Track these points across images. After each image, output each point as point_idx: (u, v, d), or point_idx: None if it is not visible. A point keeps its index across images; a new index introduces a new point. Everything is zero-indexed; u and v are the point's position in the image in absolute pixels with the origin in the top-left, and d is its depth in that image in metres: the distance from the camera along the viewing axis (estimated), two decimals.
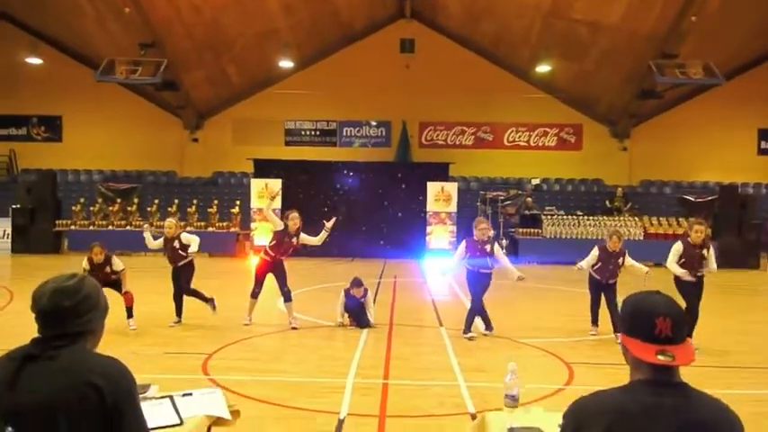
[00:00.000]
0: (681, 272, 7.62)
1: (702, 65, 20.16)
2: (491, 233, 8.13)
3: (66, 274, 1.95)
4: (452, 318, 9.37)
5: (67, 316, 1.86)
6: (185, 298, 8.68)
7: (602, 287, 8.14)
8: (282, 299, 8.55)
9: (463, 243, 8.17)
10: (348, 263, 17.92)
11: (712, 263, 7.87)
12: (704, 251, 7.66)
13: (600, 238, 8.09)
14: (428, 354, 7.15)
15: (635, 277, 7.88)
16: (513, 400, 2.99)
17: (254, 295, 8.54)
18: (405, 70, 23.64)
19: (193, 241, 8.58)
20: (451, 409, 5.16)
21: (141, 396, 2.80)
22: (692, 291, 7.75)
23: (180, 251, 8.54)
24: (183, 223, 19.04)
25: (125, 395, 1.87)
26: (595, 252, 8.10)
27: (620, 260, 8.03)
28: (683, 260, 7.73)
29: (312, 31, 23.07)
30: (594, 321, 8.31)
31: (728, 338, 8.44)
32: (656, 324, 1.70)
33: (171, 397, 2.91)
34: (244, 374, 6.12)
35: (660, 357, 1.67)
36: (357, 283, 8.59)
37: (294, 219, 8.36)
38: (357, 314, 8.48)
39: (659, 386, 1.71)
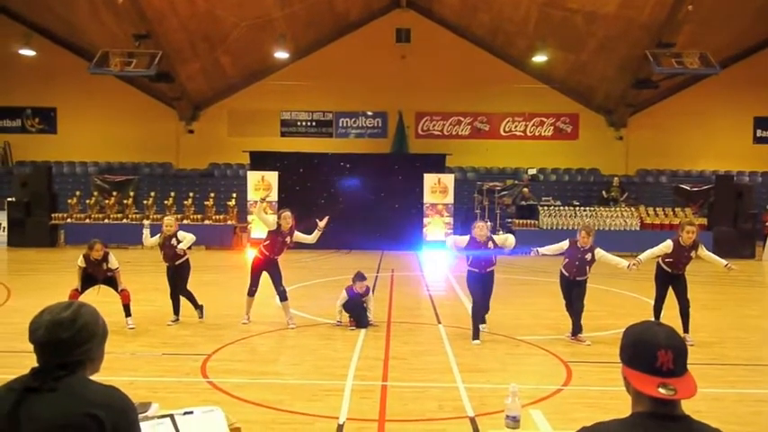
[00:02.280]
0: (620, 261, 7.73)
1: (698, 54, 20.09)
2: (488, 232, 8.01)
3: (62, 304, 1.93)
4: (450, 314, 9.34)
5: (65, 347, 1.85)
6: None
7: (671, 279, 7.78)
8: (278, 298, 8.45)
9: (467, 237, 7.99)
10: (344, 255, 17.90)
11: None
12: (692, 252, 7.63)
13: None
14: (426, 353, 7.11)
15: (716, 269, 7.78)
16: (514, 422, 3.00)
17: (251, 293, 8.49)
18: (401, 60, 23.53)
19: (186, 238, 8.51)
20: (451, 413, 5.16)
21: (142, 415, 2.76)
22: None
23: (177, 249, 8.52)
24: (179, 216, 19.11)
25: (126, 425, 1.85)
26: (668, 244, 7.64)
27: (693, 253, 7.63)
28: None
29: (307, 22, 22.89)
30: (657, 318, 7.64)
31: (724, 333, 8.39)
32: (658, 356, 1.68)
33: (172, 416, 2.87)
34: (242, 377, 6.09)
35: (662, 390, 1.65)
36: (360, 277, 8.46)
37: (286, 218, 8.27)
38: (357, 313, 8.37)
39: (661, 419, 1.69)
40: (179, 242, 8.46)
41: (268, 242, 8.37)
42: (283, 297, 8.38)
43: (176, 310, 8.59)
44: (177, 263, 8.55)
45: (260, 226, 17.26)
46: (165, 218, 8.96)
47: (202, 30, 21.33)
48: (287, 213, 8.32)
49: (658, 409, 1.69)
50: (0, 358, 6.45)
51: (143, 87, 23.64)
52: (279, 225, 8.26)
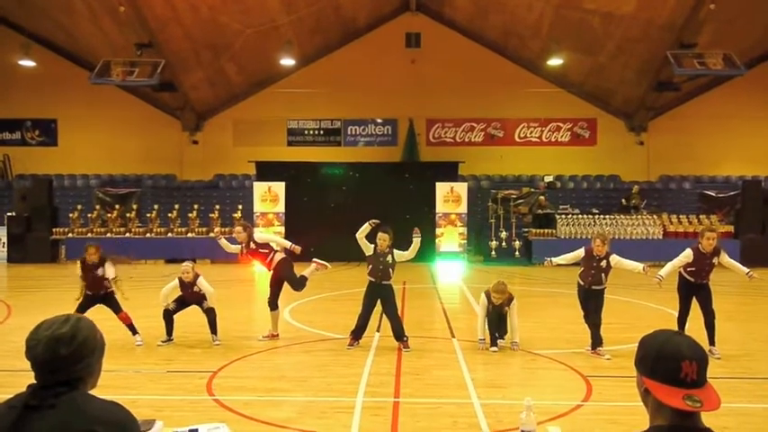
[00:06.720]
0: (636, 265, 7.38)
1: (722, 55, 19.37)
2: (607, 248, 7.41)
3: (59, 318, 1.85)
4: (464, 328, 8.92)
5: (65, 364, 1.79)
6: (185, 313, 8.23)
7: (694, 289, 7.44)
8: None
9: (582, 250, 7.57)
10: (354, 267, 17.14)
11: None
12: (714, 259, 7.32)
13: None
14: (440, 368, 6.83)
15: (742, 278, 7.58)
16: None
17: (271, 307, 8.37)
18: (411, 65, 22.93)
19: (208, 292, 8.06)
20: (465, 430, 4.88)
21: None
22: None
23: (197, 291, 8.05)
24: (183, 229, 18.55)
25: None
26: (688, 253, 7.32)
27: (715, 260, 7.32)
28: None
29: (314, 28, 22.35)
30: (682, 331, 7.40)
31: (752, 346, 7.93)
32: (682, 367, 1.65)
33: None
34: (249, 394, 5.86)
35: (688, 403, 1.62)
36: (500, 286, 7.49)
37: (237, 232, 8.40)
38: (496, 323, 7.50)
39: None
40: (200, 289, 8.03)
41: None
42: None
43: (169, 332, 8.03)
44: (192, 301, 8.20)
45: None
46: (184, 264, 8.20)
47: (206, 37, 20.84)
48: (237, 228, 8.44)
49: (682, 422, 1.66)
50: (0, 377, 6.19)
51: (145, 97, 23.14)
52: (240, 244, 8.41)
